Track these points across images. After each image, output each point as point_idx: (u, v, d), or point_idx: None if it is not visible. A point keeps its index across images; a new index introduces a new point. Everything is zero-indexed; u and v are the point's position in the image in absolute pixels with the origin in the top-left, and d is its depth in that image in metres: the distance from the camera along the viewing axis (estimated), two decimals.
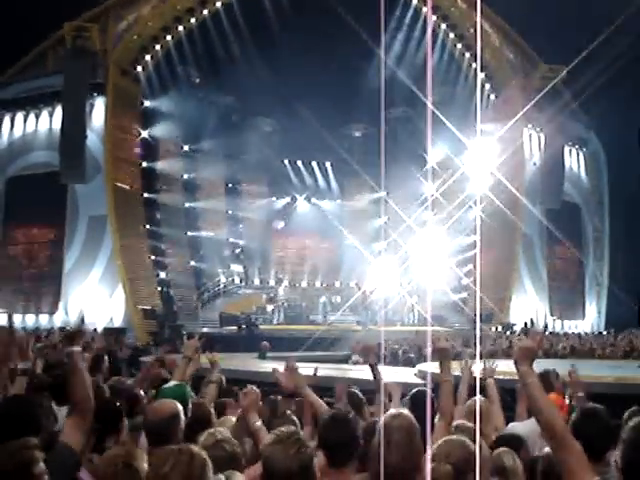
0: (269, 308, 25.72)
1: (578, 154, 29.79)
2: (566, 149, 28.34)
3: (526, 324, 25.00)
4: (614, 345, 16.07)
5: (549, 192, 26.78)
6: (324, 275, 30.70)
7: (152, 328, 22.98)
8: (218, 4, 25.79)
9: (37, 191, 25.10)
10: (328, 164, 32.10)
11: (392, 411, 2.72)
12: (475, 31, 26.64)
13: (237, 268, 29.85)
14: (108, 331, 20.90)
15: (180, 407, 2.99)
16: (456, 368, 4.09)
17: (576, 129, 29.19)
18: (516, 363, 2.37)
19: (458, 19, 26.73)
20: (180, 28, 25.90)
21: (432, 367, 3.96)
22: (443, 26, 27.20)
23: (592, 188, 30.54)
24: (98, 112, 24.56)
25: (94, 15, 24.94)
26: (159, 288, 25.66)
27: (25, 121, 25.93)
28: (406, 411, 2.80)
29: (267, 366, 10.92)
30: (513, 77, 27.48)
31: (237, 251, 30.12)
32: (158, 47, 26.08)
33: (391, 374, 7.50)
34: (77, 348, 2.78)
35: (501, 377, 5.06)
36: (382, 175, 31.71)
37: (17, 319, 24.15)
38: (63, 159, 23.59)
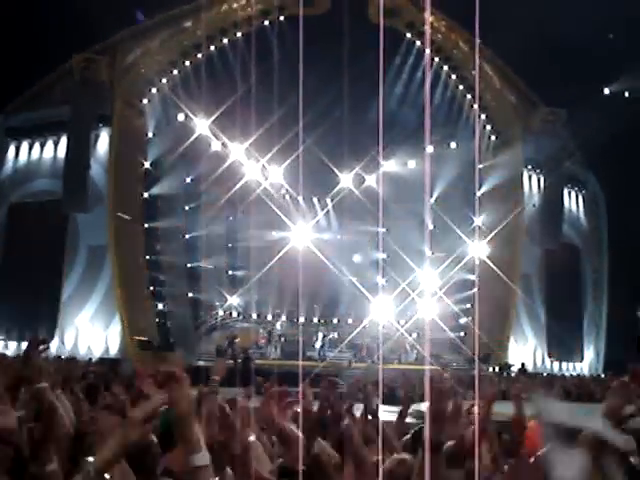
0: (265, 343, 25.65)
1: (577, 195, 29.99)
2: (565, 190, 28.56)
3: (523, 365, 24.89)
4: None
5: (548, 233, 26.91)
6: (322, 311, 30.63)
7: (148, 360, 22.85)
8: (225, 40, 26.24)
9: (39, 219, 25.28)
10: (328, 200, 32.28)
11: (396, 456, 2.75)
12: (476, 73, 27.07)
13: (235, 301, 29.81)
14: (103, 361, 20.85)
15: None
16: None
17: (575, 171, 29.45)
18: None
19: (460, 61, 27.17)
20: (186, 63, 26.30)
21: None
22: (445, 67, 27.63)
23: (591, 229, 30.66)
24: (103, 143, 24.83)
25: (103, 47, 25.35)
26: (156, 319, 25.60)
27: (30, 149, 26.19)
28: (408, 457, 2.83)
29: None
30: (514, 119, 27.81)
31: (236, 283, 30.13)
32: (164, 81, 26.44)
33: (387, 413, 7.48)
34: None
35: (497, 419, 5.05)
36: (380, 212, 31.92)
37: (12, 346, 24.05)
38: (66, 188, 23.79)
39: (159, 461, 2.91)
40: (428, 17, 25.52)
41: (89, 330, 23.81)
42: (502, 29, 23.90)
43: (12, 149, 26.61)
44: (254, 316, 29.06)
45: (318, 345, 25.92)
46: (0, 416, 2.48)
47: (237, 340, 25.12)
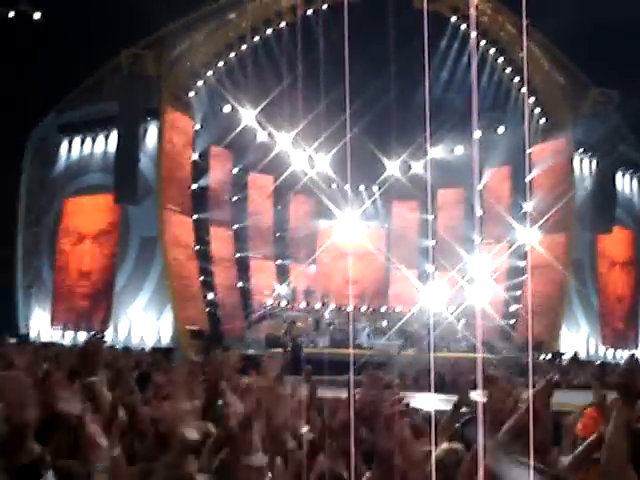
0: (314, 331, 25.78)
1: (631, 178, 29.16)
2: (618, 174, 27.79)
3: (576, 353, 24.44)
4: None
5: (600, 218, 26.26)
6: (370, 299, 30.60)
7: (199, 348, 23.25)
8: (269, 30, 26.33)
9: (91, 211, 25.94)
10: (375, 188, 32.17)
11: (446, 446, 2.76)
12: (524, 55, 26.51)
13: (283, 290, 30.05)
14: (156, 351, 21.27)
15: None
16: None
17: (628, 153, 28.62)
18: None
19: (507, 43, 26.65)
20: (232, 55, 26.49)
21: (479, 395, 3.94)
22: (492, 51, 27.14)
23: None
24: (151, 136, 25.25)
25: (149, 42, 25.73)
26: (207, 309, 26.00)
27: (82, 144, 26.84)
28: (459, 446, 2.84)
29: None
30: (563, 102, 27.17)
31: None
32: (210, 73, 26.70)
33: (437, 401, 7.45)
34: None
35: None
36: (429, 198, 31.66)
37: (69, 336, 24.78)
38: (117, 181, 24.28)
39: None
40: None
41: (142, 320, 24.34)
42: (550, 9, 23.39)
43: (65, 145, 27.30)
44: (302, 305, 29.18)
45: (365, 333, 25.92)
46: (66, 402, 2.58)
47: (297, 324, 25.35)
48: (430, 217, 32.48)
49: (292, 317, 26.19)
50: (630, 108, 26.04)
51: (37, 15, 21.24)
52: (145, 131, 25.31)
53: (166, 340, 23.61)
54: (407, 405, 3.53)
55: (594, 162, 26.98)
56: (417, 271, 32.05)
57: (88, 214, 26.17)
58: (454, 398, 4.69)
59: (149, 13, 24.00)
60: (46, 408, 2.97)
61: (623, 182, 28.53)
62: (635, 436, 2.80)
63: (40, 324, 26.26)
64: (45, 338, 24.01)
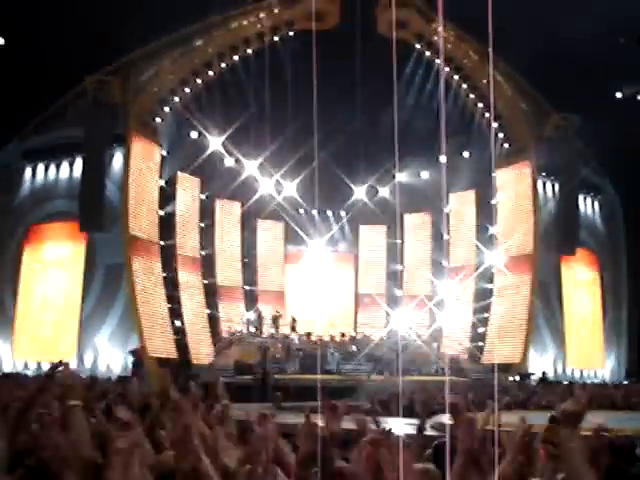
0: (284, 357, 25.57)
1: (593, 202, 29.82)
2: (581, 196, 28.38)
3: (544, 374, 24.67)
4: (637, 395, 15.70)
5: (564, 239, 26.72)
6: (339, 324, 30.54)
7: (167, 377, 22.89)
8: (235, 57, 26.46)
9: (56, 239, 25.54)
10: (343, 213, 32.32)
11: (419, 466, 2.75)
12: (488, 81, 27.04)
13: (251, 316, 29.86)
14: (122, 380, 20.88)
15: None
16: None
17: (590, 176, 29.28)
18: (560, 425, 2.34)
19: (471, 70, 27.18)
20: (198, 81, 26.54)
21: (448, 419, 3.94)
22: (456, 77, 27.65)
23: (608, 235, 30.43)
24: (117, 162, 25.05)
25: (115, 68, 25.65)
26: (174, 336, 25.67)
27: (46, 171, 26.49)
28: (433, 467, 2.83)
29: (283, 416, 10.83)
30: (526, 126, 27.74)
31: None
32: (176, 99, 26.69)
33: (406, 426, 7.43)
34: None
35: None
36: (397, 222, 31.88)
37: (32, 367, 24.21)
38: (82, 208, 23.99)
39: None
40: (441, 29, 25.61)
41: (108, 348, 23.92)
42: (512, 37, 23.92)
43: (29, 171, 26.92)
44: (271, 331, 29.00)
45: (335, 358, 25.80)
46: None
47: (270, 350, 25.11)
48: (398, 242, 32.66)
49: (266, 344, 25.97)
50: (591, 132, 26.68)
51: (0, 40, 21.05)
52: (111, 157, 25.10)
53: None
54: (388, 432, 3.48)
55: (557, 185, 27.53)
56: (386, 295, 32.15)
57: (53, 241, 25.76)
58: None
59: (114, 39, 24.00)
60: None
61: (585, 205, 29.13)
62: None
63: (1, 354, 25.62)
64: (7, 368, 23.42)
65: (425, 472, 2.69)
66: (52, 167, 26.45)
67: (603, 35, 24.99)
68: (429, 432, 7.82)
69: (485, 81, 27.10)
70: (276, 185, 32.01)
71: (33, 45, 25.41)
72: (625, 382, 25.12)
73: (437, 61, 27.01)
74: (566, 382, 22.95)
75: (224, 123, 28.10)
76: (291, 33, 26.55)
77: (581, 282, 28.47)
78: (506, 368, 25.80)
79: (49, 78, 24.03)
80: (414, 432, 6.29)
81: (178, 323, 26.38)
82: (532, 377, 24.27)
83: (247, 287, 31.12)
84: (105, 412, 5.74)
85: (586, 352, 28.26)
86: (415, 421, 7.81)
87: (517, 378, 23.76)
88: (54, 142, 25.97)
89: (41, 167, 26.64)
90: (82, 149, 24.52)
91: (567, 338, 27.44)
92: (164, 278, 26.28)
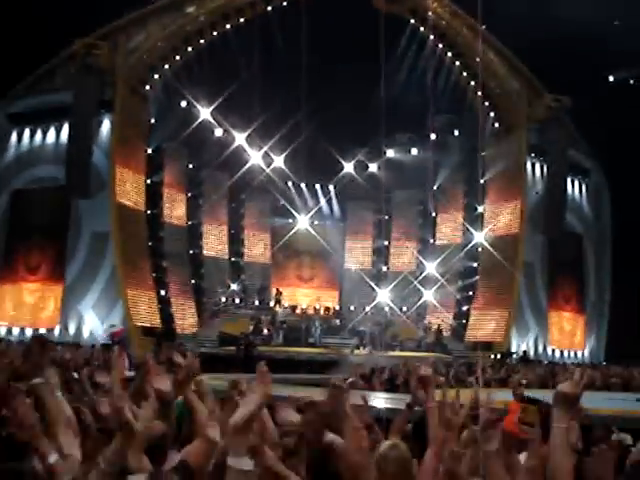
0: (268, 329, 25.68)
1: (580, 184, 29.90)
2: (569, 179, 28.44)
3: (525, 352, 24.96)
4: (616, 377, 15.91)
5: (551, 221, 26.84)
6: (324, 297, 30.67)
7: (151, 346, 22.92)
8: (227, 26, 26.10)
9: (41, 204, 25.28)
10: (331, 187, 32.25)
11: (388, 442, 2.76)
12: (479, 59, 26.89)
13: (236, 287, 29.92)
14: (106, 347, 20.88)
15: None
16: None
17: (579, 159, 29.34)
18: (554, 405, 2.32)
19: (464, 47, 26.98)
20: (189, 49, 26.18)
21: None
22: (449, 54, 27.45)
23: (594, 218, 30.60)
24: (105, 129, 24.76)
25: (105, 33, 25.25)
26: (159, 306, 25.66)
27: (32, 135, 26.11)
28: (401, 443, 2.85)
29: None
30: (517, 106, 27.69)
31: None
32: (167, 67, 26.34)
33: (390, 400, 7.51)
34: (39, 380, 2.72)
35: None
36: (385, 198, 31.88)
37: (15, 332, 24.14)
38: (69, 174, 23.74)
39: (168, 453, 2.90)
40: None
41: (92, 316, 23.88)
42: (506, 15, 23.78)
43: (14, 135, 26.53)
44: (256, 302, 29.10)
45: (318, 331, 25.94)
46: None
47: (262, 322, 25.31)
48: (385, 217, 32.71)
49: (259, 315, 26.06)
50: (582, 115, 26.69)
51: None
52: (99, 124, 24.79)
53: None
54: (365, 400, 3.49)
55: (545, 167, 27.55)
56: (371, 271, 32.28)
57: (38, 207, 25.49)
58: (405, 397, 4.72)
59: (105, 3, 23.61)
60: None
61: (573, 187, 29.21)
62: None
63: None
64: None
65: (394, 447, 2.71)
66: (39, 131, 26.07)
67: (598, 17, 24.90)
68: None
69: (478, 59, 26.92)
70: (265, 157, 31.82)
71: (21, 6, 24.93)
72: (604, 363, 25.45)
73: (431, 37, 26.77)
74: (546, 362, 23.26)
75: (214, 93, 27.80)
76: (284, 3, 26.16)
77: (565, 263, 28.65)
78: (488, 346, 26.07)
79: (37, 40, 23.60)
80: (397, 407, 6.33)
81: (163, 292, 26.35)
82: (513, 356, 24.53)
83: (233, 258, 31.11)
84: (89, 378, 5.73)
85: (567, 333, 28.58)
86: (400, 396, 7.88)
87: (498, 356, 24.02)
88: (41, 106, 25.59)
89: (27, 131, 26.24)
90: (70, 114, 24.16)
91: (549, 319, 27.71)
92: (150, 247, 26.16)
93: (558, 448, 2.24)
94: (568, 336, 28.53)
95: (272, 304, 28.62)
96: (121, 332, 22.28)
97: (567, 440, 2.27)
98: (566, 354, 27.89)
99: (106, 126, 24.87)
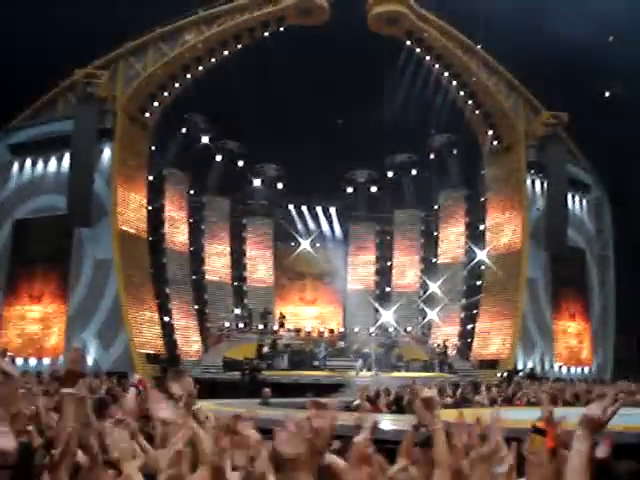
0: (272, 353, 25.54)
1: (581, 200, 29.89)
2: (569, 195, 28.43)
3: (532, 369, 24.78)
4: (623, 392, 15.75)
5: (553, 237, 26.80)
6: (328, 320, 30.58)
7: (155, 373, 22.81)
8: (225, 52, 26.33)
9: (43, 233, 25.32)
10: (332, 209, 32.32)
11: (397, 465, 2.73)
12: (477, 79, 27.07)
13: (240, 312, 29.88)
14: (110, 375, 20.79)
15: None
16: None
17: (578, 174, 29.39)
18: (578, 426, 2.27)
19: (461, 67, 27.16)
20: (188, 76, 26.39)
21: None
22: (445, 74, 27.61)
23: (596, 232, 30.56)
24: (106, 157, 24.87)
25: (104, 62, 25.47)
26: (162, 332, 25.56)
27: (34, 165, 26.22)
28: (411, 466, 2.82)
29: (269, 413, 10.83)
30: (515, 124, 27.80)
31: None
32: (166, 94, 26.54)
33: (396, 421, 7.43)
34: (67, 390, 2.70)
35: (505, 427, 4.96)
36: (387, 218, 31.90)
37: (19, 362, 24.03)
38: (70, 203, 23.79)
39: None
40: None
41: (96, 344, 23.78)
42: (502, 35, 24.04)
43: (16, 165, 26.64)
44: (260, 327, 29.00)
45: (323, 354, 25.81)
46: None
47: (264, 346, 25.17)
48: (387, 238, 32.73)
49: (262, 341, 25.93)
50: (580, 131, 26.81)
51: None
52: (100, 152, 24.90)
53: (121, 364, 23.04)
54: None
55: (546, 183, 27.56)
56: (375, 291, 32.22)
57: (40, 236, 25.52)
58: (412, 418, 4.66)
59: (104, 33, 23.86)
60: None
61: (574, 202, 29.21)
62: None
63: None
64: None
65: (404, 469, 2.68)
66: (40, 161, 26.17)
67: (592, 34, 25.13)
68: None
69: (475, 79, 27.11)
70: (266, 181, 32.04)
71: (21, 38, 25.23)
72: (608, 378, 25.23)
73: (427, 58, 26.98)
74: (553, 379, 23.07)
75: (214, 118, 28.06)
76: (282, 29, 26.40)
77: (569, 279, 28.56)
78: (494, 364, 25.90)
79: (37, 71, 23.81)
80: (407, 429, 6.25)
81: (166, 318, 26.28)
82: (520, 374, 24.34)
83: (236, 283, 31.08)
84: (97, 408, 5.68)
85: (574, 349, 28.39)
86: (406, 417, 7.80)
87: (505, 374, 23.82)
88: (42, 136, 25.74)
89: (29, 161, 26.34)
90: (70, 143, 24.29)
91: (555, 335, 27.54)
92: (152, 273, 26.15)
93: (576, 473, 2.18)
94: (574, 352, 28.34)
95: (276, 328, 28.54)
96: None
97: (586, 464, 2.22)
98: (573, 370, 27.68)
99: (107, 154, 24.98)
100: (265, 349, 25.31)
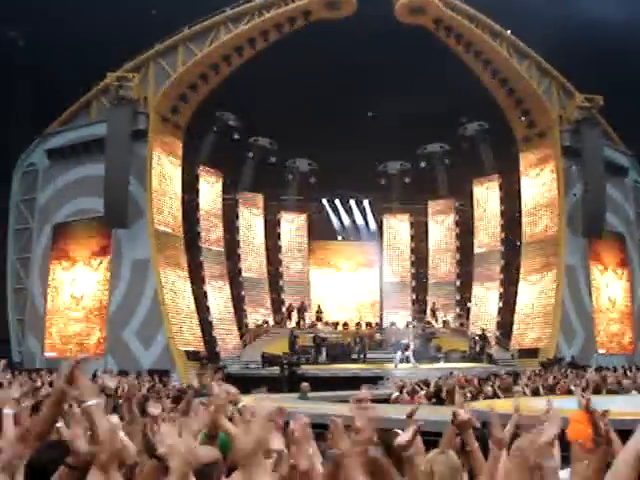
0: (311, 347, 25.67)
1: (620, 183, 29.28)
2: (607, 178, 27.85)
3: (573, 357, 24.45)
4: None
5: (591, 222, 26.35)
6: (365, 312, 30.58)
7: (195, 370, 23.09)
8: (254, 51, 26.41)
9: (82, 236, 25.83)
10: (366, 202, 32.27)
11: (437, 450, 2.76)
12: (509, 64, 26.69)
13: (277, 307, 30.10)
14: (152, 373, 21.14)
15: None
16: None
17: (616, 158, 28.82)
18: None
19: (490, 54, 26.75)
20: (218, 74, 26.55)
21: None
22: (476, 61, 27.21)
23: (636, 216, 29.95)
24: (140, 158, 25.17)
25: (135, 65, 25.80)
26: (201, 329, 25.85)
27: (71, 169, 26.68)
28: (450, 451, 2.84)
29: (307, 406, 10.90)
30: (549, 108, 27.34)
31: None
32: (197, 93, 26.75)
33: (435, 414, 7.41)
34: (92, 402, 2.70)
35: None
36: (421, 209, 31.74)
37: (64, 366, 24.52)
38: (107, 205, 24.20)
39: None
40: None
41: (136, 343, 24.16)
42: (534, 17, 23.66)
43: (53, 170, 27.18)
44: (297, 321, 29.18)
45: (360, 348, 25.88)
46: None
47: (298, 339, 25.31)
48: (422, 229, 32.55)
49: (295, 333, 26.06)
50: (616, 113, 26.26)
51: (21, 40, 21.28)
52: (134, 153, 25.23)
53: (162, 362, 23.40)
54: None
55: (582, 168, 27.04)
56: (411, 283, 32.10)
57: (79, 238, 26.05)
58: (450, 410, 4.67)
59: (133, 36, 24.17)
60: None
61: (612, 187, 28.60)
62: None
63: (33, 351, 26.02)
64: (38, 365, 23.80)
65: (441, 452, 2.71)
66: (76, 165, 26.63)
67: (626, 14, 24.59)
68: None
69: (506, 64, 26.72)
70: (298, 176, 32.13)
71: (53, 43, 25.67)
72: None
73: (456, 45, 26.65)
74: (595, 367, 22.72)
75: (245, 116, 28.23)
76: (307, 23, 26.35)
77: (609, 265, 28.08)
78: (534, 353, 25.62)
79: (70, 76, 24.24)
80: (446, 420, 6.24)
81: (205, 315, 26.57)
82: (561, 362, 24.02)
83: (272, 279, 31.25)
84: (141, 406, 5.78)
85: (615, 336, 27.92)
86: (446, 408, 7.78)
87: (545, 363, 23.56)
88: (77, 140, 26.21)
89: (65, 166, 26.85)
90: (105, 146, 24.68)
91: (596, 322, 27.10)
92: (189, 271, 26.45)
93: (625, 464, 2.14)
94: (616, 339, 27.86)
95: (313, 321, 28.68)
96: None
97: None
98: (616, 358, 27.20)
99: (141, 155, 25.30)
100: (297, 344, 25.41)
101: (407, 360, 23.76)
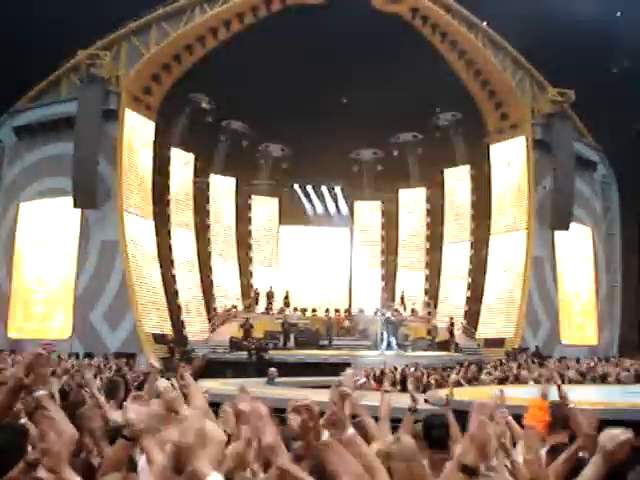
0: (279, 333, 25.70)
1: (589, 178, 29.72)
2: (576, 172, 28.22)
3: (537, 348, 24.84)
4: (628, 370, 15.81)
5: (559, 215, 26.72)
6: (334, 298, 30.65)
7: (162, 353, 22.99)
8: (229, 33, 26.15)
9: (49, 216, 25.40)
10: (338, 188, 32.26)
11: (392, 437, 2.76)
12: (484, 56, 26.84)
13: (246, 292, 30.02)
14: (118, 356, 20.99)
15: None
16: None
17: (585, 153, 29.22)
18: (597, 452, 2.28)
19: (465, 45, 26.88)
20: (191, 56, 26.24)
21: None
22: (451, 52, 27.31)
23: (603, 210, 30.46)
24: (110, 138, 24.79)
25: (107, 43, 25.35)
26: (169, 313, 25.70)
27: (39, 147, 26.16)
28: (406, 436, 2.85)
29: (274, 392, 10.94)
30: (522, 101, 27.58)
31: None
32: (170, 74, 26.40)
33: (399, 401, 7.46)
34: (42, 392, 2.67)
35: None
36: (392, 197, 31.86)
37: (27, 346, 24.20)
38: (75, 185, 23.81)
39: None
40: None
41: (103, 325, 23.92)
42: (509, 10, 23.77)
43: (21, 147, 26.64)
44: (265, 307, 29.17)
45: (330, 334, 26.00)
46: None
47: (252, 328, 25.22)
48: (392, 217, 32.68)
49: (249, 321, 25.96)
50: (586, 107, 26.57)
51: None
52: (104, 133, 24.83)
53: (129, 345, 23.21)
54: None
55: (552, 160, 27.36)
56: (380, 271, 32.26)
57: (46, 218, 25.60)
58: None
59: (106, 13, 23.73)
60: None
61: (580, 180, 29.00)
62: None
63: None
64: (1, 346, 23.42)
65: (397, 440, 2.71)
66: (44, 143, 26.11)
67: (600, 9, 24.83)
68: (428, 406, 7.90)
69: (480, 56, 26.87)
70: (271, 160, 32.02)
71: (25, 20, 25.08)
72: (617, 357, 25.29)
73: (432, 35, 26.71)
74: (558, 357, 23.16)
75: (218, 97, 27.95)
76: (284, 7, 26.16)
77: (575, 257, 28.52)
78: (500, 343, 25.98)
79: (40, 53, 23.70)
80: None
81: (173, 299, 26.41)
82: (526, 352, 24.40)
83: (242, 263, 31.14)
84: (108, 389, 5.72)
85: (580, 327, 28.43)
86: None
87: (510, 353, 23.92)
88: (46, 118, 25.69)
89: (33, 143, 26.30)
90: (74, 125, 24.23)
91: (561, 313, 27.55)
92: (158, 253, 26.22)
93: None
94: (580, 330, 28.38)
95: (282, 307, 28.66)
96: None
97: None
98: (579, 348, 27.71)
99: (111, 135, 24.90)
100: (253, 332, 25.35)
101: (374, 347, 23.96)
